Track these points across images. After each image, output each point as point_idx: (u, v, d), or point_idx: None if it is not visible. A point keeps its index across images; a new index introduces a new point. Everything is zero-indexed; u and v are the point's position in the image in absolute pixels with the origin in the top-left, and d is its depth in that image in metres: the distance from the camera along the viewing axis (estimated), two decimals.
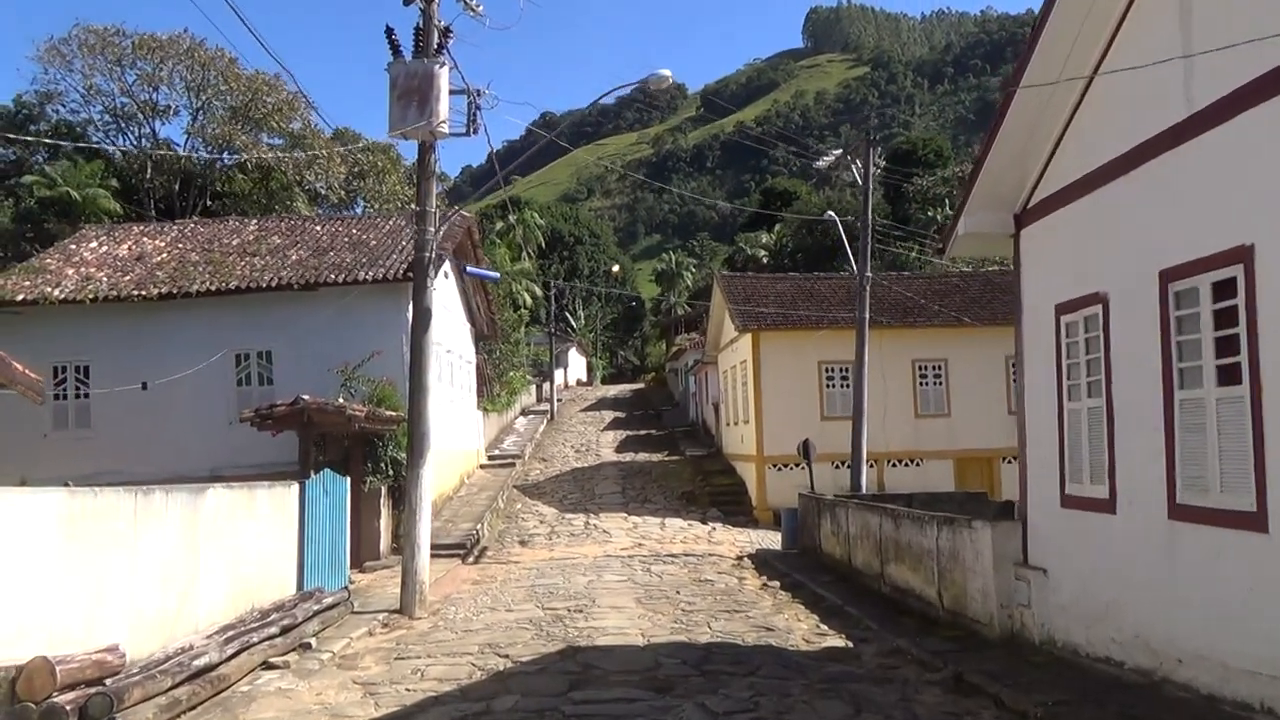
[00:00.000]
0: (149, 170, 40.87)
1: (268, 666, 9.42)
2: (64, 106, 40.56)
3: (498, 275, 20.29)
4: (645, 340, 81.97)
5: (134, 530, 8.44)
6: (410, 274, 14.27)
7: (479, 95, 13.84)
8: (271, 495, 12.18)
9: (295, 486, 13.04)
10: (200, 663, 8.21)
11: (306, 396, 15.51)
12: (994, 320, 26.17)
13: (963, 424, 26.36)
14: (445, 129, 13.42)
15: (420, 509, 13.52)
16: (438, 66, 13.29)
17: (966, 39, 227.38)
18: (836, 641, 10.93)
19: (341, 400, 17.39)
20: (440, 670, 9.49)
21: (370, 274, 20.51)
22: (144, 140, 43.12)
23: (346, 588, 14.08)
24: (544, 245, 67.00)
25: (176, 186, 41.32)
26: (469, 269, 18.12)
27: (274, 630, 10.02)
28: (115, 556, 8.13)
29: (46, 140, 34.88)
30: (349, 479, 16.05)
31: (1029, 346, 10.03)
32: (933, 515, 12.14)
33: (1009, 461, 26.42)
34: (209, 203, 41.69)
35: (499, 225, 59.81)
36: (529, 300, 51.53)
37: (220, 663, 8.55)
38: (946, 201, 52.59)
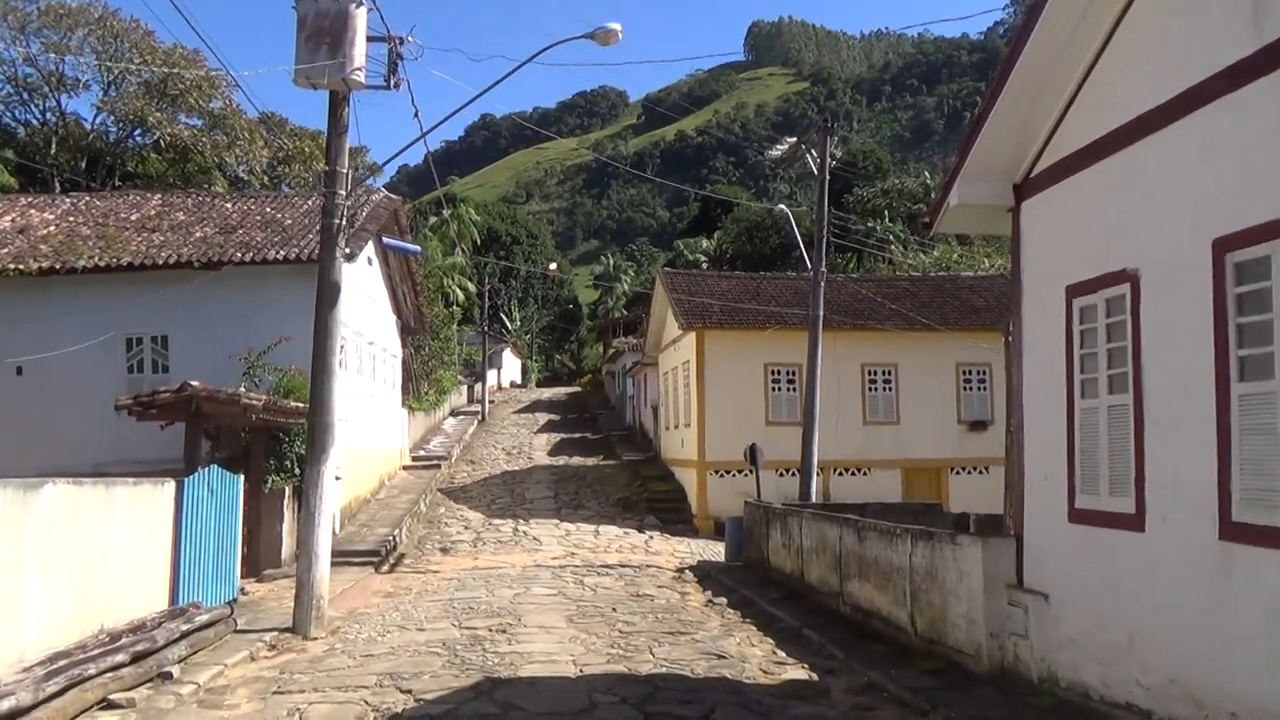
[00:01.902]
0: (53, 146, 38.09)
1: (107, 706, 7.60)
2: None
3: (418, 249, 18.54)
4: (582, 344, 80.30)
5: None
6: None
7: (401, 43, 12.17)
8: (136, 494, 10.26)
9: (170, 485, 11.12)
10: (4, 706, 6.39)
11: (195, 383, 13.61)
12: (945, 324, 25.25)
13: (912, 432, 25.29)
14: (360, 78, 11.68)
15: (319, 512, 11.72)
16: (353, 6, 11.56)
17: (904, 59, 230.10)
18: (799, 673, 9.46)
19: (241, 388, 15.49)
20: (324, 710, 7.76)
21: (282, 253, 18.62)
22: (48, 114, 40.33)
23: (232, 602, 12.21)
24: (479, 243, 64.87)
25: (84, 165, 38.57)
26: (386, 240, 16.27)
27: (122, 658, 8.16)
28: None
29: None
30: (243, 477, 14.15)
31: (1030, 335, 8.66)
32: (905, 528, 10.75)
33: (957, 472, 25.57)
34: (119, 183, 38.99)
35: (433, 220, 57.63)
36: (461, 296, 49.54)
37: (35, 705, 6.70)
38: (885, 214, 52.34)
